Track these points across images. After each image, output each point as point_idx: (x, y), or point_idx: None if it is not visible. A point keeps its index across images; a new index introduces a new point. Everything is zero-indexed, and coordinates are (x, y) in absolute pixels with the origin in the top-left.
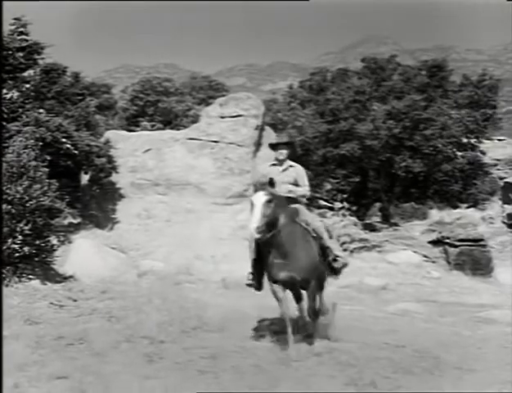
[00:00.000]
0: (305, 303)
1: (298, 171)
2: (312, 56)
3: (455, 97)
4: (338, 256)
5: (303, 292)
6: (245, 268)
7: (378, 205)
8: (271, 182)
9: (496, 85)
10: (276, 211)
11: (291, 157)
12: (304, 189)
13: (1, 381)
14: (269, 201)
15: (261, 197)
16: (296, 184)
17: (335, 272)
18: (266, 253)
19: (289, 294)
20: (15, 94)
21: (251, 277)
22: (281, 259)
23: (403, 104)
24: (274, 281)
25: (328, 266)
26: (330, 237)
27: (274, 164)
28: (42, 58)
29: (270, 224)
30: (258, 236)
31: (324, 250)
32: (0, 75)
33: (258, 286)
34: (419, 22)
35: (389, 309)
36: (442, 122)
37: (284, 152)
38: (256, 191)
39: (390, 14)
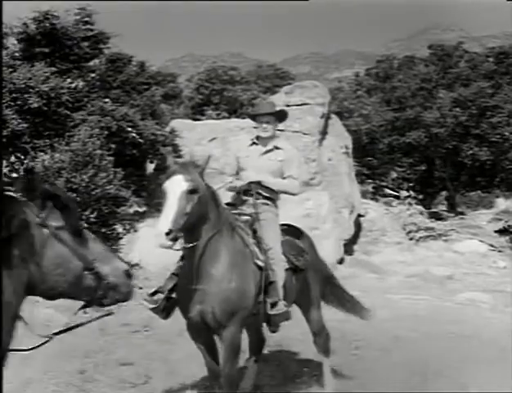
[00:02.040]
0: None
1: (289, 155)
2: (379, 44)
3: None
4: (280, 300)
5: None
6: None
7: (444, 193)
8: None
9: None
10: (203, 208)
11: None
12: (291, 182)
13: (1, 381)
14: (192, 191)
15: (178, 184)
16: (281, 173)
17: (271, 322)
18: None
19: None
20: (80, 83)
21: (158, 297)
22: (195, 284)
23: (470, 91)
24: (186, 317)
25: (264, 311)
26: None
27: (254, 143)
28: (108, 47)
29: (190, 228)
30: (167, 244)
31: (267, 286)
32: (1, 72)
33: (165, 314)
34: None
35: (455, 298)
36: (509, 109)
37: (269, 127)
38: (171, 174)
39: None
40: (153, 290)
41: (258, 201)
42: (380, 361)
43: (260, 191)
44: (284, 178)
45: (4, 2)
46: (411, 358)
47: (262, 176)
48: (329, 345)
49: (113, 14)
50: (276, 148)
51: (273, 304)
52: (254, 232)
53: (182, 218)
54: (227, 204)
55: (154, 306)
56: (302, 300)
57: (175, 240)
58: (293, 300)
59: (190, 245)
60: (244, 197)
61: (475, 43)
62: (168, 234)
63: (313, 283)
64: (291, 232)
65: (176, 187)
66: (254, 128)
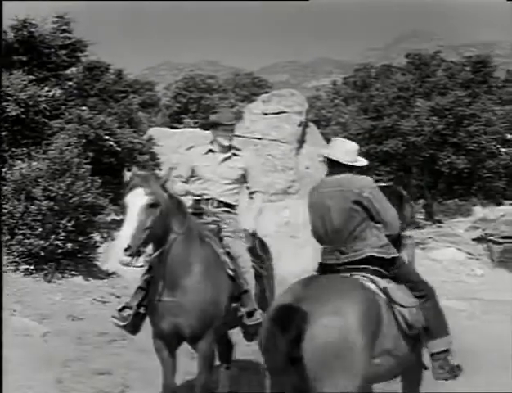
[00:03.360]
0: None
1: (249, 162)
2: (356, 52)
3: (499, 93)
4: (256, 310)
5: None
6: (291, 265)
7: (421, 202)
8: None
9: None
10: (166, 221)
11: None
12: (259, 200)
13: (1, 380)
14: (152, 205)
15: (139, 198)
16: (242, 181)
17: (247, 332)
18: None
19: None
20: (57, 92)
21: (127, 313)
22: (167, 296)
23: (447, 100)
24: (155, 330)
25: (240, 321)
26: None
27: (211, 151)
28: (86, 55)
29: (156, 241)
30: (127, 260)
31: (240, 295)
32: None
33: (135, 328)
34: (463, 18)
35: None
36: (486, 118)
37: (230, 135)
38: (132, 187)
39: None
40: (120, 306)
41: (219, 209)
42: None
43: (221, 199)
44: (251, 193)
45: (4, 2)
46: None
47: (220, 185)
48: None
49: (90, 22)
50: (234, 155)
51: (249, 314)
52: (221, 240)
53: (142, 233)
54: (193, 213)
55: (124, 323)
56: (261, 308)
57: (136, 255)
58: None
59: (156, 254)
60: (205, 206)
61: (452, 52)
62: (126, 250)
63: (270, 290)
64: (248, 238)
65: (136, 200)
66: (217, 137)
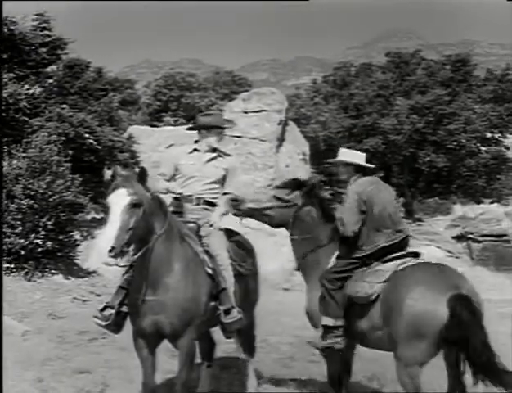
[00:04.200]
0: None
1: (232, 163)
2: (336, 51)
3: (479, 92)
4: (233, 307)
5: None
6: (270, 263)
7: (401, 200)
8: (142, 174)
9: None
10: (148, 220)
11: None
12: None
13: (1, 380)
14: (135, 205)
15: (122, 198)
16: (222, 183)
17: (225, 329)
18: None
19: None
20: (37, 90)
21: (108, 313)
22: (150, 295)
23: (427, 99)
24: (136, 329)
25: (218, 319)
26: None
27: (196, 150)
28: (66, 53)
29: (138, 241)
30: (111, 262)
31: (219, 293)
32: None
33: (117, 327)
34: (443, 17)
35: None
36: (465, 117)
37: (220, 136)
38: (115, 187)
39: (414, 9)
40: (102, 305)
41: (200, 207)
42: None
43: (202, 196)
44: (224, 193)
45: (4, 1)
46: (371, 364)
47: (203, 184)
48: (254, 346)
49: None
50: (220, 156)
51: (227, 312)
52: (200, 238)
53: (126, 233)
54: (173, 212)
55: (106, 323)
56: (243, 306)
57: (120, 256)
58: (237, 305)
59: (139, 254)
60: (186, 204)
61: (432, 51)
62: (111, 251)
63: (253, 289)
64: (230, 236)
65: (119, 201)
66: (208, 138)
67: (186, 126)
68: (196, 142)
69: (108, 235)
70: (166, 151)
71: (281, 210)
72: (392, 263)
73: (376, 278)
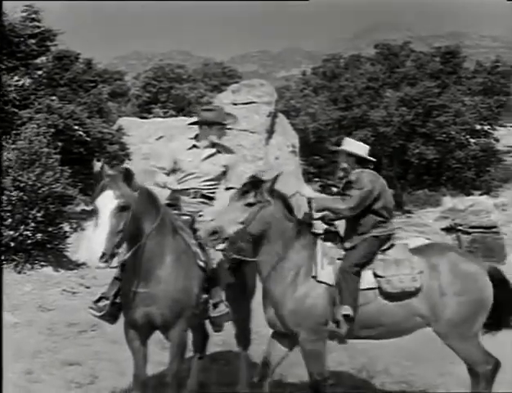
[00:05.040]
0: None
1: (231, 160)
2: (325, 43)
3: (468, 84)
4: (221, 301)
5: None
6: None
7: (391, 192)
8: (127, 175)
9: (509, 72)
10: (137, 223)
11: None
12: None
13: (1, 377)
14: (123, 208)
15: (109, 201)
16: (220, 179)
17: (214, 323)
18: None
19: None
20: (27, 81)
21: (103, 303)
22: (142, 288)
23: (416, 91)
24: (128, 320)
25: (206, 312)
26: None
27: (195, 146)
28: (55, 45)
29: (129, 240)
30: (102, 266)
31: (210, 288)
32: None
33: (112, 317)
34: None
35: None
36: (455, 109)
37: (221, 132)
38: (102, 189)
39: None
40: (97, 296)
41: (196, 200)
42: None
43: (198, 188)
44: (227, 188)
45: (4, 1)
46: (360, 355)
47: (200, 181)
48: (249, 339)
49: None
50: (219, 152)
51: (215, 306)
52: (194, 231)
53: (115, 236)
54: (167, 204)
55: (101, 314)
56: (240, 299)
57: (110, 259)
58: (234, 298)
59: (130, 253)
60: (182, 196)
61: (421, 43)
62: (102, 257)
63: (250, 282)
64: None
65: (107, 203)
66: (209, 135)
67: (175, 118)
68: (196, 136)
69: (97, 239)
70: (156, 143)
71: (261, 214)
72: (394, 251)
73: (410, 270)
